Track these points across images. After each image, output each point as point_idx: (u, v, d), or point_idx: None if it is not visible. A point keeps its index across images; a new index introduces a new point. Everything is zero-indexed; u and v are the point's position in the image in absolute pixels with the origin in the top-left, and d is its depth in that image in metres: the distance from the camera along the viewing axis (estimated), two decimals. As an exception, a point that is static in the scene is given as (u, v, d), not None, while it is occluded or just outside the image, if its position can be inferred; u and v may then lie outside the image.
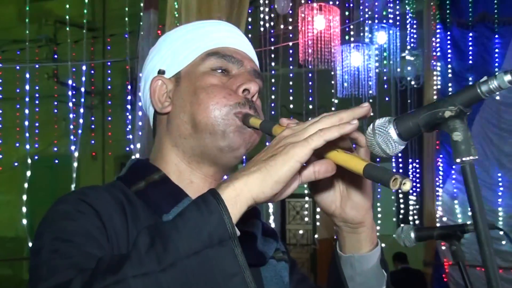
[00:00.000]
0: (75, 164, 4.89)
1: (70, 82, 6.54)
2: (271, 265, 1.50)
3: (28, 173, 6.34)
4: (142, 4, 4.53)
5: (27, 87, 6.05)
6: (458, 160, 1.03)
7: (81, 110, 5.52)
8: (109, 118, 11.79)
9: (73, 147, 5.04)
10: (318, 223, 10.23)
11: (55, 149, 10.21)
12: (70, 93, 6.23)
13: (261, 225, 1.53)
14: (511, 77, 0.97)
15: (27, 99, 6.21)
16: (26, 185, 6.41)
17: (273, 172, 1.07)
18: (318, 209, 10.13)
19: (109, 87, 11.96)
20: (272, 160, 1.08)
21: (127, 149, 6.78)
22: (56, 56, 11.62)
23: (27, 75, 6.05)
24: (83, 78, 5.95)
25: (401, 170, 10.02)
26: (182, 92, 1.45)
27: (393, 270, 8.78)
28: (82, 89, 5.81)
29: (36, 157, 11.96)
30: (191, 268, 1.00)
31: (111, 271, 1.01)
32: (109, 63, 11.00)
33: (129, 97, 6.70)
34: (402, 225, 2.26)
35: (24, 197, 6.63)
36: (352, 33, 8.96)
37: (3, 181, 12.53)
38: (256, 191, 1.07)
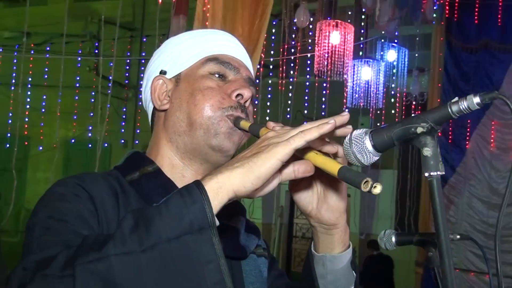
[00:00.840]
0: (99, 153, 4.88)
1: (110, 77, 6.55)
2: (251, 259, 1.49)
3: (57, 156, 6.32)
4: (172, 10, 4.52)
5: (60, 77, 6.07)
6: (426, 174, 1.01)
7: (109, 101, 5.53)
8: (140, 110, 11.85)
9: (99, 136, 5.05)
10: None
11: (90, 135, 10.28)
12: (102, 85, 6.24)
13: (245, 222, 1.51)
14: (479, 99, 0.95)
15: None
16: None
17: (255, 168, 1.07)
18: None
19: (142, 82, 11.99)
20: (255, 157, 1.08)
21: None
22: (97, 51, 11.70)
23: (62, 67, 6.07)
24: (111, 72, 6.00)
25: (401, 177, 9.97)
26: (181, 92, 1.45)
27: (370, 255, 9.65)
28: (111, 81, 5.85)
29: (73, 141, 12.09)
30: (170, 251, 0.99)
31: (95, 248, 1.00)
32: (143, 61, 11.05)
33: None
34: (386, 230, 2.23)
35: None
36: (364, 49, 8.93)
37: (43, 160, 12.66)
38: (237, 185, 1.07)
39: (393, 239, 2.17)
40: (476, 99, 0.96)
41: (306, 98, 9.23)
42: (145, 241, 0.99)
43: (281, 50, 8.00)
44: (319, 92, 8.64)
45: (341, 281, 1.37)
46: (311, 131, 1.08)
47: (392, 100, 9.80)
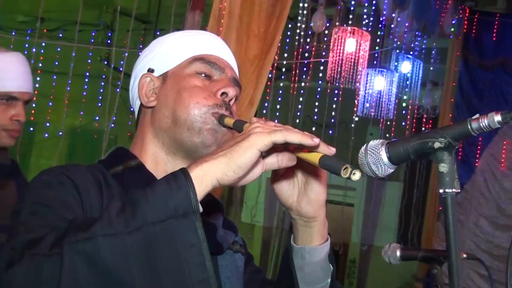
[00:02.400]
0: (104, 144, 4.90)
1: (121, 68, 6.57)
2: (227, 255, 1.55)
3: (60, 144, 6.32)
4: (188, 5, 4.52)
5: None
6: (441, 191, 1.01)
7: (118, 92, 5.54)
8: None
9: (106, 127, 5.06)
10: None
11: (96, 125, 10.29)
12: (113, 76, 6.25)
13: (223, 219, 1.58)
14: (501, 118, 0.94)
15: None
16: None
17: (236, 157, 1.13)
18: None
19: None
20: (236, 146, 1.14)
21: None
22: (109, 42, 11.71)
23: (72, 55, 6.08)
24: (122, 63, 6.00)
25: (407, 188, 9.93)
26: (167, 89, 1.52)
27: None
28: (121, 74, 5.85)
29: (79, 130, 12.10)
30: (155, 234, 1.04)
31: (83, 228, 1.05)
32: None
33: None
34: (391, 243, 2.23)
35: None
36: (379, 59, 8.90)
37: (48, 147, 12.67)
38: (220, 173, 1.13)
39: (398, 253, 2.17)
40: (498, 118, 0.95)
41: (316, 104, 9.20)
42: (131, 223, 1.04)
43: (295, 53, 7.98)
44: (330, 98, 8.62)
45: (318, 273, 1.43)
46: (294, 134, 1.13)
47: (404, 112, 9.76)
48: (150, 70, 1.57)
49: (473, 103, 9.23)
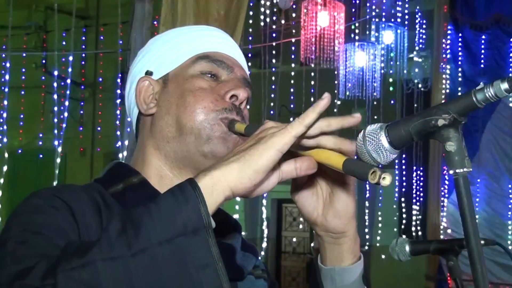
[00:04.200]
0: (58, 160, 4.87)
1: (56, 72, 6.52)
2: (249, 281, 1.52)
3: (5, 168, 6.26)
4: (135, -7, 4.51)
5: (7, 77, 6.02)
6: (451, 172, 1.03)
7: (66, 103, 5.51)
8: (100, 112, 11.75)
9: (56, 142, 5.02)
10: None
11: (40, 143, 10.19)
12: (56, 84, 6.21)
13: (241, 240, 1.56)
14: (508, 85, 0.96)
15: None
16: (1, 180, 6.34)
17: (252, 162, 1.10)
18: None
19: (101, 79, 11.92)
20: (251, 149, 1.12)
21: (117, 145, 6.78)
22: (45, 45, 11.60)
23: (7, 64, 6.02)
24: (70, 69, 5.95)
25: (404, 178, 10.00)
26: (169, 94, 1.50)
27: None
28: (68, 81, 5.81)
29: (20, 151, 11.97)
30: (163, 255, 1.02)
31: (78, 254, 1.02)
32: (101, 54, 10.98)
33: (118, 91, 6.70)
34: (399, 237, 2.26)
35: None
36: (357, 31, 8.95)
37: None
38: (234, 181, 1.10)
39: (407, 248, 2.19)
40: (504, 85, 0.96)
41: (291, 90, 9.22)
42: (134, 245, 1.02)
43: (262, 36, 8.00)
44: (307, 82, 8.65)
45: None
46: (307, 114, 1.12)
47: (391, 88, 9.83)
48: (149, 73, 1.55)
49: (469, 70, 9.30)
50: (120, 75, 8.61)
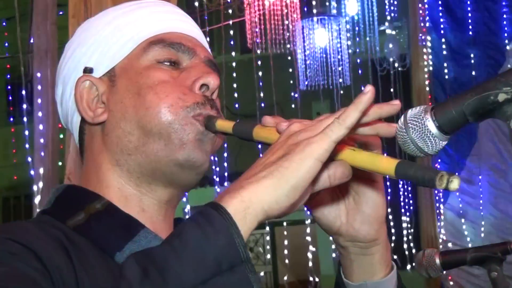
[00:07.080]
0: None
1: None
2: None
3: None
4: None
5: None
6: None
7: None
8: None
9: None
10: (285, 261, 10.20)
11: None
12: None
13: None
14: None
15: None
16: None
17: (289, 176, 1.11)
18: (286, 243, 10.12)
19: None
20: (286, 161, 1.12)
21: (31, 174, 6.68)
22: None
23: None
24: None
25: (388, 183, 10.10)
26: (121, 93, 1.48)
27: None
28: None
29: None
30: None
31: None
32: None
33: (24, 106, 6.60)
34: (425, 249, 2.29)
35: None
36: (314, 3, 8.94)
37: None
38: (268, 202, 1.11)
39: (437, 261, 2.22)
40: None
41: (234, 86, 9.17)
42: None
43: (196, 19, 8.00)
44: (256, 74, 8.63)
45: None
46: (348, 113, 1.13)
47: (360, 71, 9.84)
48: (87, 71, 1.51)
49: (455, 40, 9.40)
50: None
